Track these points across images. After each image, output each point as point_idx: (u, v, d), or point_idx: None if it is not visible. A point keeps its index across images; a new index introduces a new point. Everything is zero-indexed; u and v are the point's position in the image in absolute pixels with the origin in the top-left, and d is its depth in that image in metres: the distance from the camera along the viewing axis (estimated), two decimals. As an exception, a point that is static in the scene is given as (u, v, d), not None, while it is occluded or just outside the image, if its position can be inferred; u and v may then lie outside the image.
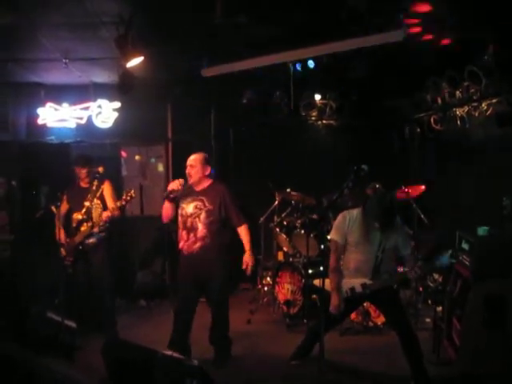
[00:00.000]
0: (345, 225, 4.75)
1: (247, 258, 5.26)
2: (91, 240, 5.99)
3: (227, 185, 5.40)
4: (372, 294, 4.73)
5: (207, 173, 5.22)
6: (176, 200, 5.23)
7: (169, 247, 7.94)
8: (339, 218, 4.86)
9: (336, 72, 7.15)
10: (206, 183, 5.23)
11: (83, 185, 6.17)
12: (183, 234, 5.18)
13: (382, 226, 4.61)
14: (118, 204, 5.78)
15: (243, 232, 5.27)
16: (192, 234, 5.12)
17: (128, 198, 5.72)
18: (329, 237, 4.99)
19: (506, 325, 4.50)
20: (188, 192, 5.21)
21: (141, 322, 6.85)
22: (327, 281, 4.67)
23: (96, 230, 5.96)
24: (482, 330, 4.55)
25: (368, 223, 4.66)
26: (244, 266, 5.26)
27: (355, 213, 4.78)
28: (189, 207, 5.15)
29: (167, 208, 5.28)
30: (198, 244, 5.10)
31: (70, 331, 5.43)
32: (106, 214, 5.85)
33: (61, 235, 5.89)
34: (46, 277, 6.48)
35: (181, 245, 5.20)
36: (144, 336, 6.01)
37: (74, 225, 6.03)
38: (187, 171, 5.19)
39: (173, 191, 5.15)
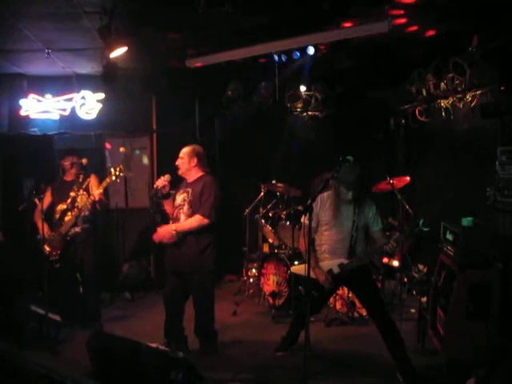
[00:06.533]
0: (316, 207, 4.78)
1: (163, 228, 5.13)
2: (76, 229, 5.96)
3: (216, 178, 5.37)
4: (349, 277, 4.76)
5: (193, 164, 5.22)
6: (168, 196, 5.27)
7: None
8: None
9: (321, 63, 7.13)
10: (197, 175, 5.25)
11: (68, 178, 6.15)
12: (170, 223, 5.23)
13: (355, 194, 4.69)
14: (108, 180, 5.75)
15: (192, 218, 5.07)
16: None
17: (117, 172, 5.70)
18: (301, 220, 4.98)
19: (489, 314, 4.55)
20: (183, 184, 5.30)
21: (126, 314, 6.82)
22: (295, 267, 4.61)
23: (82, 214, 5.93)
24: (466, 320, 4.59)
25: (340, 200, 4.74)
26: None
27: (326, 194, 4.83)
28: (178, 198, 5.22)
29: (167, 206, 5.36)
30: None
31: (54, 324, 5.41)
32: (98, 192, 5.80)
33: (44, 229, 5.84)
34: (29, 270, 6.43)
35: None
36: (129, 328, 5.99)
37: (58, 216, 5.99)
38: (176, 163, 5.26)
39: (158, 189, 5.21)
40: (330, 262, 4.76)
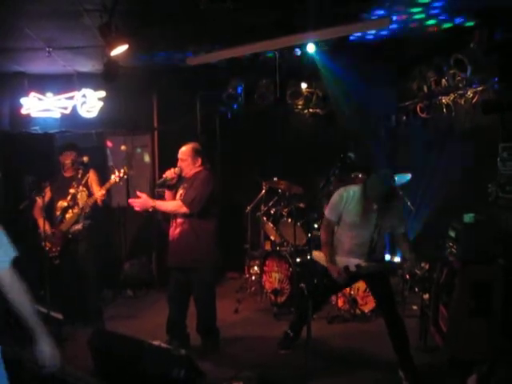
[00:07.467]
0: (341, 204, 4.66)
1: (144, 198, 5.11)
2: (77, 226, 5.95)
3: (212, 173, 5.37)
4: (365, 274, 4.71)
5: (198, 164, 5.23)
6: (173, 188, 5.30)
7: (156, 237, 7.92)
8: (335, 195, 4.77)
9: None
10: (194, 171, 5.24)
11: (68, 174, 6.14)
12: (172, 220, 5.27)
13: (381, 208, 4.50)
14: (112, 181, 5.76)
15: (173, 202, 5.19)
16: (174, 221, 5.21)
17: (121, 174, 5.71)
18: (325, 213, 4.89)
19: (491, 311, 4.54)
20: (183, 180, 5.31)
21: (127, 312, 6.82)
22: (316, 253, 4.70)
23: (83, 212, 5.92)
24: (468, 317, 4.58)
25: (367, 204, 4.55)
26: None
27: (353, 190, 4.68)
28: (178, 195, 5.24)
29: (168, 197, 5.35)
30: (178, 230, 5.16)
31: (56, 322, 5.40)
32: (101, 193, 5.81)
33: (45, 226, 5.84)
34: (30, 268, 6.42)
35: (170, 231, 5.28)
36: (131, 326, 5.99)
37: (59, 213, 5.99)
38: (178, 165, 5.24)
39: (166, 180, 5.22)
40: (346, 260, 4.66)
